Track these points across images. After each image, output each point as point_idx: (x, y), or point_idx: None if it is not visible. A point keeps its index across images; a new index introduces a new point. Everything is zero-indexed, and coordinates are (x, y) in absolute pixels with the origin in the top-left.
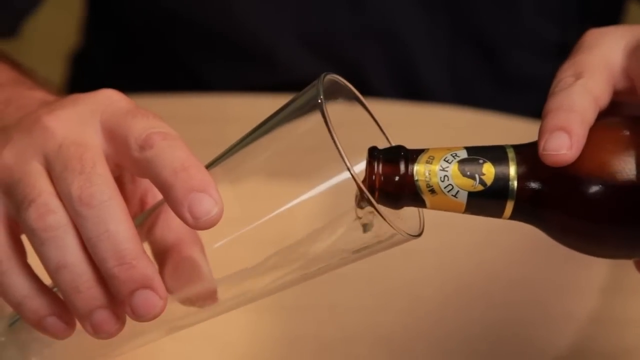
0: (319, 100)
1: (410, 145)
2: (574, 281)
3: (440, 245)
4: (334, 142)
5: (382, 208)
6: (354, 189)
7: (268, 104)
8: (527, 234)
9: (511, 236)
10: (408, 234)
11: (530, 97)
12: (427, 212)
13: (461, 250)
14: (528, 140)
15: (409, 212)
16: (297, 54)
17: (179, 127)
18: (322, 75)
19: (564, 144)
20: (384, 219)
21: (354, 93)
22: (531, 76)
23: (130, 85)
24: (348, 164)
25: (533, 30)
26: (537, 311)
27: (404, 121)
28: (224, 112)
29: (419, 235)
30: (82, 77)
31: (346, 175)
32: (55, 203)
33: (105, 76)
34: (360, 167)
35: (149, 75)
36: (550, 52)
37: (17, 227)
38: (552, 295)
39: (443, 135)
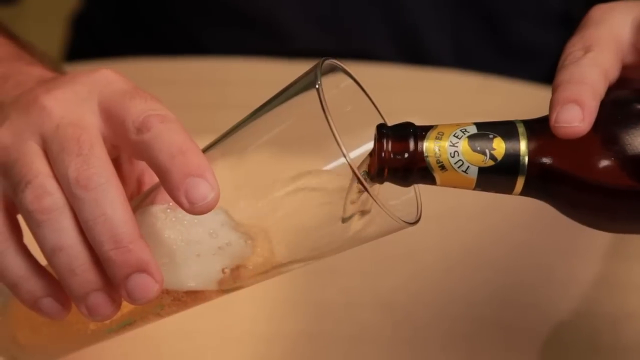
0: (317, 86)
1: (416, 109)
2: (577, 245)
3: (444, 211)
4: (332, 130)
5: (377, 196)
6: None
7: (268, 67)
8: (529, 199)
9: (514, 200)
10: (404, 221)
11: (532, 67)
12: None
13: (464, 215)
14: (532, 104)
15: (408, 199)
16: (299, 23)
17: (178, 91)
18: (321, 60)
19: (576, 116)
20: (380, 206)
21: (353, 77)
22: (534, 45)
23: (130, 49)
24: (344, 151)
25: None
26: (540, 275)
27: (408, 85)
28: (224, 76)
29: (416, 222)
30: (82, 41)
31: (344, 160)
32: (51, 185)
33: (106, 40)
34: (358, 151)
35: (148, 40)
36: (553, 21)
37: (13, 208)
38: (556, 259)
39: (447, 99)
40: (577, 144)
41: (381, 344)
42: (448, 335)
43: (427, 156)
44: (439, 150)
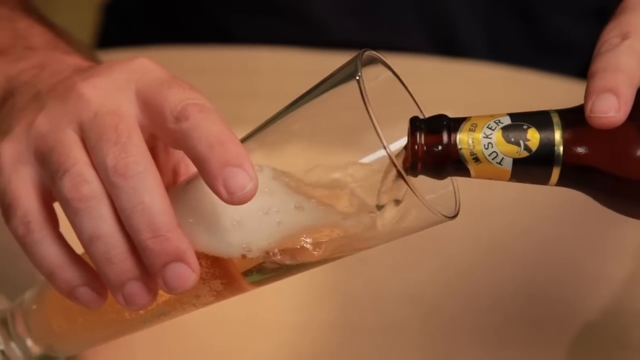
0: (357, 78)
1: (449, 100)
2: (607, 241)
3: (472, 203)
4: (372, 122)
5: (417, 189)
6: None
7: (298, 57)
8: (559, 192)
9: (543, 193)
10: (443, 215)
11: (567, 61)
12: None
13: (493, 208)
14: (564, 98)
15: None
16: (331, 13)
17: (207, 80)
18: (361, 51)
19: (612, 106)
20: (420, 199)
21: (392, 69)
22: (568, 40)
23: (160, 37)
24: (384, 143)
25: None
26: (569, 271)
27: (440, 77)
28: (254, 65)
29: (455, 216)
30: (113, 29)
31: (384, 153)
32: (90, 173)
33: (136, 28)
34: (398, 144)
35: (178, 28)
36: (588, 16)
37: (50, 196)
38: (585, 255)
39: (480, 91)
40: (613, 133)
41: (408, 335)
42: (475, 329)
43: (460, 148)
44: (473, 142)
